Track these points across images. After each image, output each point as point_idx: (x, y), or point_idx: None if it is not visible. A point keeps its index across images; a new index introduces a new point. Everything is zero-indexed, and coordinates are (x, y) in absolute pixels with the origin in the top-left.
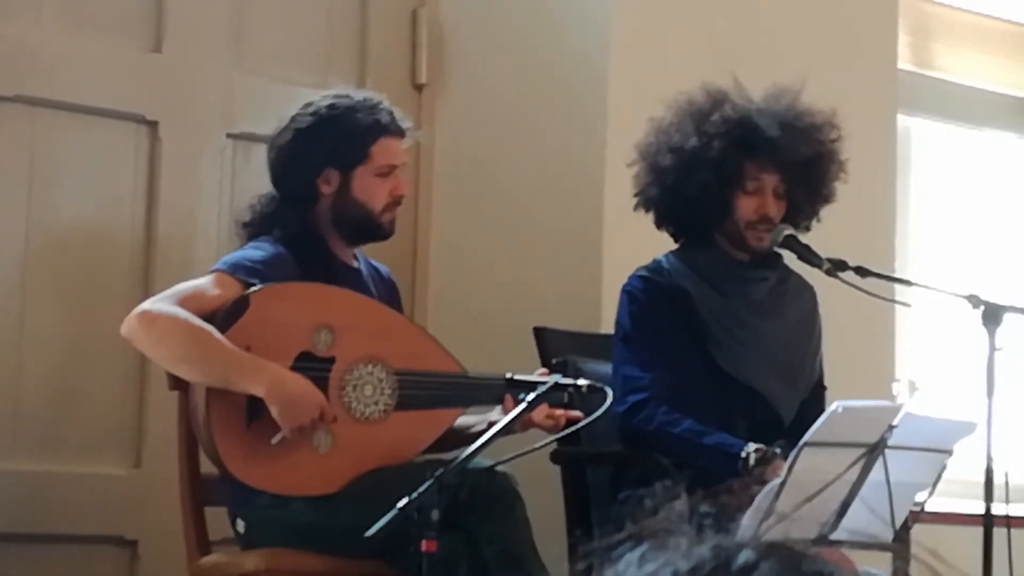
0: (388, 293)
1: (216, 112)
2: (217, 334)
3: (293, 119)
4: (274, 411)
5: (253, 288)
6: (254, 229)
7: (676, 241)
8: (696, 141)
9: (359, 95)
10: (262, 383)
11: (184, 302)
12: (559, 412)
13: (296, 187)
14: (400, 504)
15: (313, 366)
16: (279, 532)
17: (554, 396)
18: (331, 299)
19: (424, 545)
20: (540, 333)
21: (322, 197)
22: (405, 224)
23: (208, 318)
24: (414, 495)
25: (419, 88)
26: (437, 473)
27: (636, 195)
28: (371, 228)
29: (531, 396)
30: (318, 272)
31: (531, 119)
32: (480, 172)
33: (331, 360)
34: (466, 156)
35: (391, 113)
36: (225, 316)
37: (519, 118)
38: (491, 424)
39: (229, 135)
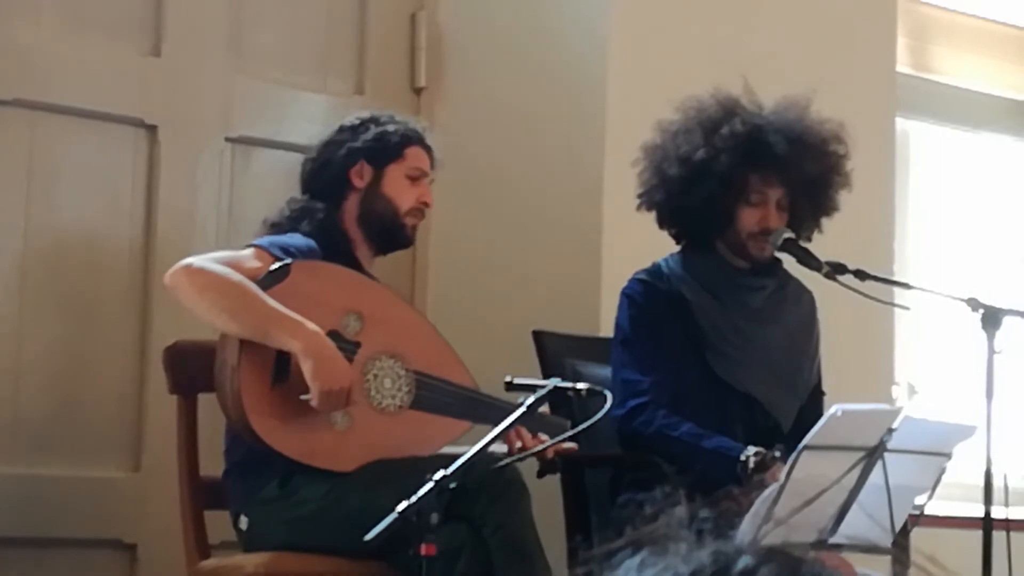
0: None
1: (215, 116)
2: (259, 290)
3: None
4: (306, 368)
5: (294, 259)
6: (280, 229)
7: (677, 243)
8: (704, 153)
9: (399, 116)
10: (300, 339)
11: (225, 264)
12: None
13: (329, 179)
14: (399, 508)
15: (341, 344)
16: (283, 528)
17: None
18: (365, 289)
19: (423, 549)
20: (539, 336)
21: (352, 191)
22: None
23: None
24: (413, 499)
25: (418, 92)
26: (437, 477)
27: (640, 196)
28: (394, 229)
29: (530, 399)
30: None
31: (530, 122)
32: (479, 176)
33: (357, 345)
34: (465, 159)
35: (425, 130)
36: (265, 280)
37: (518, 122)
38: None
39: (228, 139)
